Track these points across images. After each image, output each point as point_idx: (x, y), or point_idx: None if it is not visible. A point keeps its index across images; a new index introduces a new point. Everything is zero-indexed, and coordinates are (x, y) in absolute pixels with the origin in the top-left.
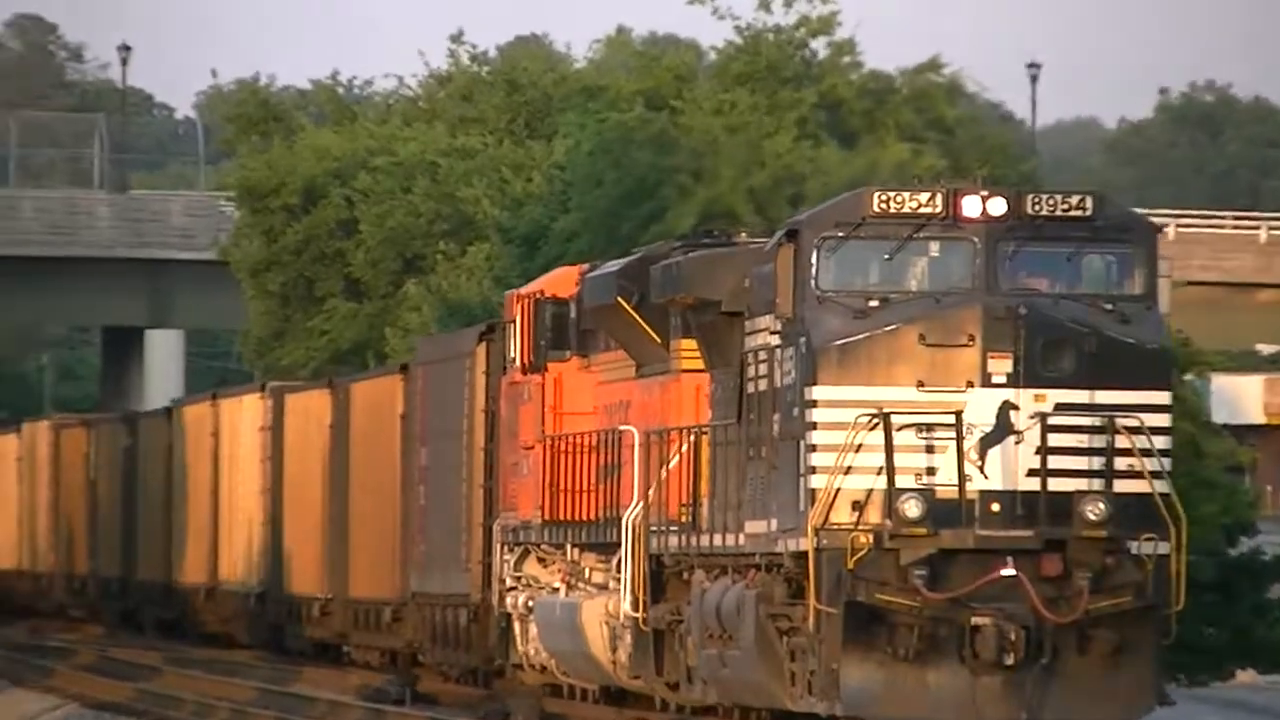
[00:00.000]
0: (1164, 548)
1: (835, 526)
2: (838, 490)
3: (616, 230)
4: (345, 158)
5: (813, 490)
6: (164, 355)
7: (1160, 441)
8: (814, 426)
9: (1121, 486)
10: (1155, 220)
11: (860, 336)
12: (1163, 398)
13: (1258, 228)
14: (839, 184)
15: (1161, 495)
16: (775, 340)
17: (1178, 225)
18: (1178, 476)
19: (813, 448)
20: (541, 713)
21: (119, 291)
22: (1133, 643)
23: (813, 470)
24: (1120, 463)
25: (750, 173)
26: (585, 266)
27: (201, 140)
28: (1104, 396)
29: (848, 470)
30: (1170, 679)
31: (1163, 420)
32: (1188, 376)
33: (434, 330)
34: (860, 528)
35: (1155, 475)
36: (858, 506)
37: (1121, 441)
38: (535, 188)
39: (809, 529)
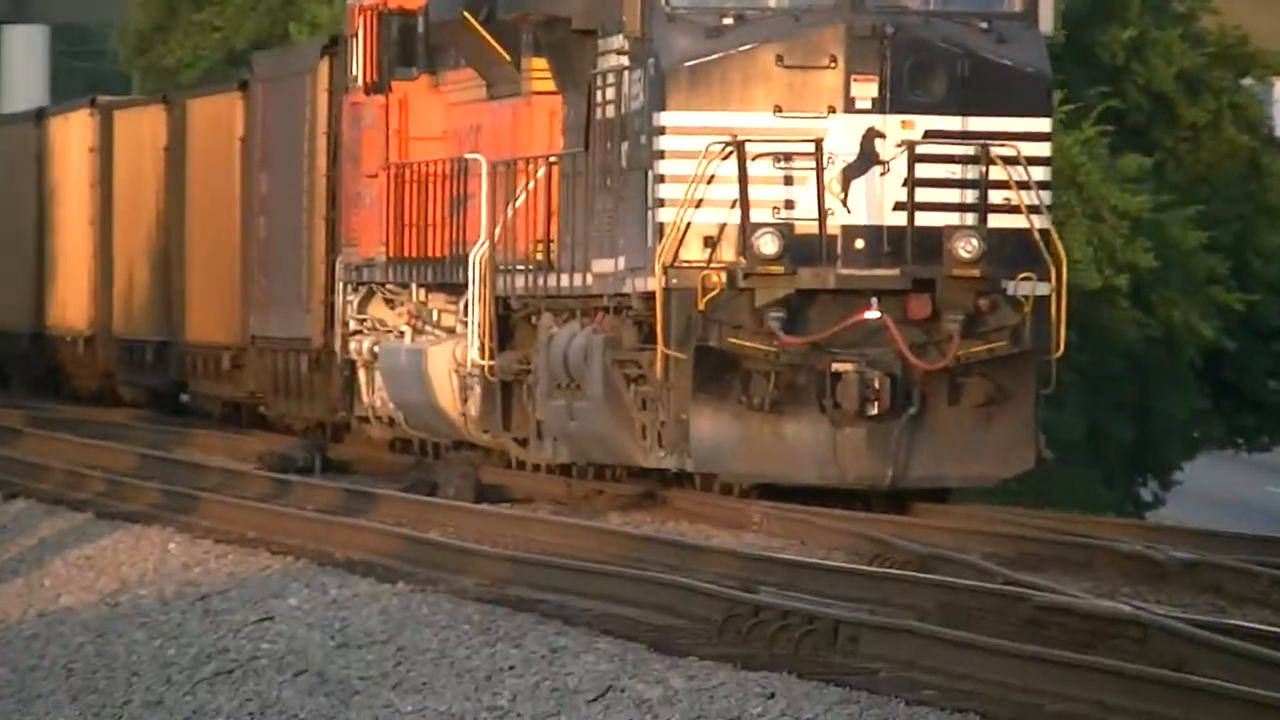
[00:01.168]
0: (1043, 289)
1: (685, 265)
2: (688, 225)
3: None
4: None
5: (661, 225)
6: (24, 55)
7: (1039, 173)
8: (662, 155)
9: (996, 222)
10: None
11: (713, 57)
12: (1042, 125)
13: None
14: None
15: (1040, 231)
16: (625, 61)
17: None
18: (1237, 199)
19: (661, 178)
20: (478, 484)
21: None
22: (1009, 392)
23: (661, 203)
24: (995, 196)
25: None
26: None
27: None
28: (977, 123)
29: (699, 203)
30: (1229, 444)
31: (1042, 150)
32: (1246, 81)
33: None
34: (712, 266)
35: (1033, 210)
36: (710, 243)
37: (996, 172)
38: None
39: (656, 267)
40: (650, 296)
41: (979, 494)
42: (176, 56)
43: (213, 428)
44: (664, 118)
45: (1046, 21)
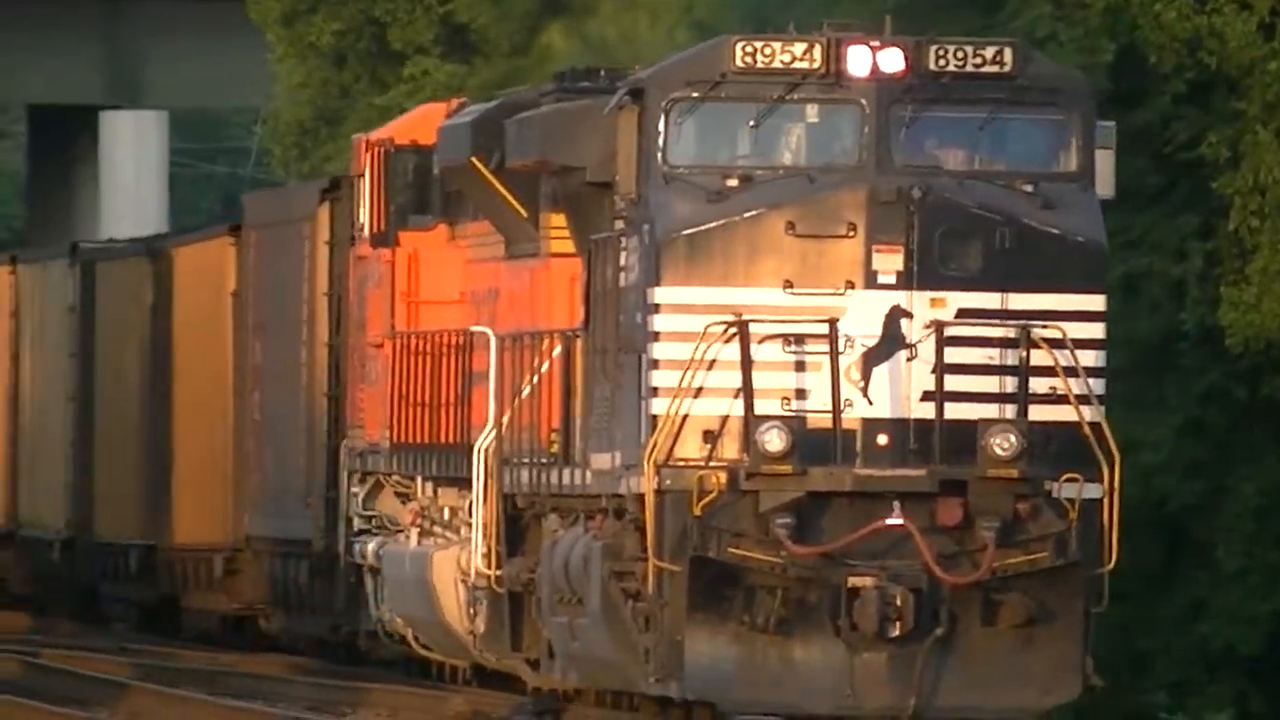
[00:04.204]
0: (1094, 491)
1: (681, 463)
2: (685, 417)
3: None
4: None
5: (654, 417)
6: (133, 153)
7: (1089, 358)
8: (656, 337)
9: (1039, 414)
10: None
11: (714, 224)
12: (1094, 303)
13: None
14: None
15: (1091, 425)
16: (622, 226)
17: None
18: None
19: (655, 363)
20: None
21: (58, 48)
22: (1053, 610)
23: (655, 392)
24: (1039, 384)
25: None
26: (455, 104)
27: None
28: (1019, 301)
29: (698, 392)
30: None
31: (1094, 331)
32: None
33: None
34: (712, 465)
35: (1083, 400)
36: (710, 438)
37: (1040, 357)
38: None
39: (647, 465)
40: (643, 498)
41: None
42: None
43: (396, 680)
44: (659, 294)
45: (1105, 184)
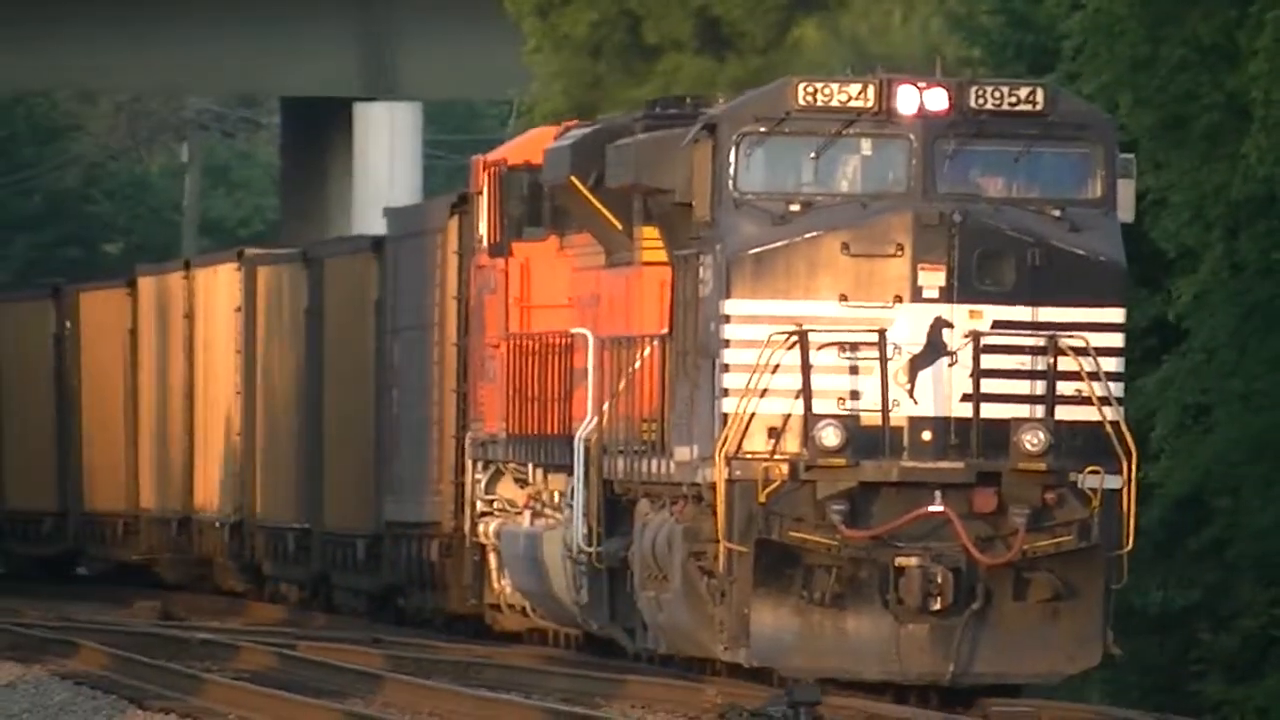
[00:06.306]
0: (1114, 482)
1: (748, 456)
2: (752, 415)
3: None
4: None
5: (725, 414)
6: (387, 145)
7: (1110, 364)
8: (727, 344)
9: (1065, 414)
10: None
11: (778, 244)
12: (1115, 315)
13: None
14: None
15: (1111, 424)
16: (699, 245)
17: None
18: None
19: (726, 367)
20: None
21: (310, 40)
22: (1076, 588)
23: (725, 392)
24: (1065, 387)
25: None
26: (562, 128)
27: None
28: (1048, 314)
29: (764, 393)
30: None
31: (1114, 340)
32: None
33: None
34: (775, 458)
35: (1104, 401)
36: (774, 434)
37: (1066, 363)
38: None
39: (718, 458)
40: (716, 487)
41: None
42: None
43: (651, 671)
44: (729, 305)
45: (1125, 209)
